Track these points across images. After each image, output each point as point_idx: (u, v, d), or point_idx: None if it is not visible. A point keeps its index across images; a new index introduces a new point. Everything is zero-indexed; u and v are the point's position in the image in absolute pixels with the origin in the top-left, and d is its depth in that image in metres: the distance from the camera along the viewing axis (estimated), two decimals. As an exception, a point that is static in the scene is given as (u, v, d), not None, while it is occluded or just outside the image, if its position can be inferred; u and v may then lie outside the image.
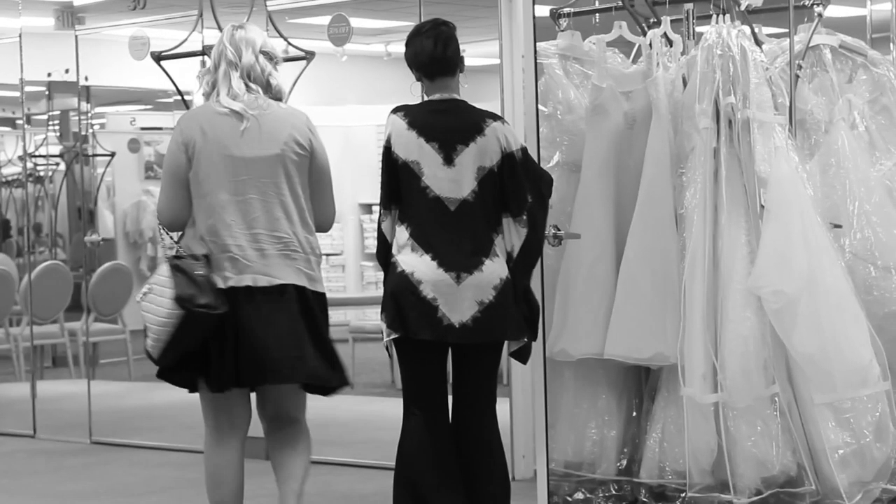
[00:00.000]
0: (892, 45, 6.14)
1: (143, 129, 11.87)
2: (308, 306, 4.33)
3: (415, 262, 4.32)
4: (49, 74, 9.66)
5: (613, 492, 5.19)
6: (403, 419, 4.48)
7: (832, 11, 5.55)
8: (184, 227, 4.36)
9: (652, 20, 5.46)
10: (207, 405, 4.44)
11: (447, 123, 4.37)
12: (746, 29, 5.09)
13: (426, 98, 4.49)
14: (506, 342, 4.48)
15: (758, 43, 5.20)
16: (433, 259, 4.31)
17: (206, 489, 4.51)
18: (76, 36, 7.56)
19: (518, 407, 5.95)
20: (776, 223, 4.82)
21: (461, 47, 4.48)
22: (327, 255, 11.29)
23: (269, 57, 4.38)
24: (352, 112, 11.40)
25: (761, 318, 4.82)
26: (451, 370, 4.51)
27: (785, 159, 4.90)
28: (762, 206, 4.88)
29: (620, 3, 5.45)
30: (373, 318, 9.30)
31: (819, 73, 5.46)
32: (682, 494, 4.88)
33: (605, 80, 5.25)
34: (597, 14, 5.64)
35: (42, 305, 9.02)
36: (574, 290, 5.19)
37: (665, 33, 5.26)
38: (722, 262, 4.90)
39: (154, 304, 4.26)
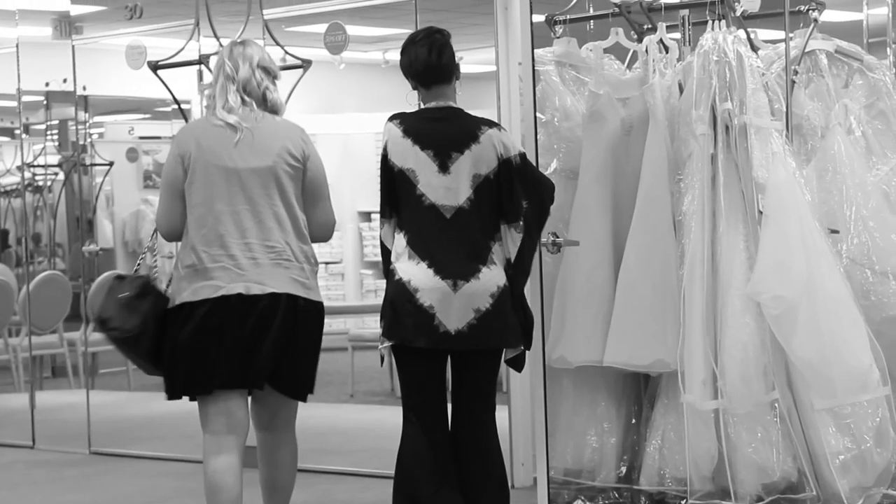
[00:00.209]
0: (888, 49, 6.14)
1: (141, 138, 11.87)
2: (296, 316, 4.35)
3: (412, 270, 4.32)
4: (47, 84, 9.67)
5: (613, 499, 5.19)
6: (402, 426, 4.48)
7: (828, 16, 5.55)
8: (181, 236, 4.42)
9: (647, 26, 5.46)
10: (205, 412, 4.46)
11: (442, 131, 4.37)
12: (742, 34, 5.09)
13: (422, 106, 4.50)
14: (503, 350, 4.48)
15: (754, 48, 5.20)
16: (430, 267, 4.31)
17: (205, 496, 4.52)
18: (73, 45, 7.56)
19: (517, 414, 5.94)
20: (774, 229, 4.82)
21: (458, 54, 4.48)
22: (326, 263, 11.28)
23: (267, 72, 4.45)
24: (350, 120, 11.41)
25: (761, 323, 4.82)
26: (450, 378, 4.52)
27: (782, 165, 4.90)
28: (760, 212, 4.88)
29: (616, 10, 5.44)
30: (372, 326, 9.29)
31: (815, 78, 5.46)
32: (683, 501, 4.88)
33: (602, 87, 5.26)
34: (592, 21, 5.65)
35: (41, 315, 9.02)
36: (572, 297, 5.19)
37: (661, 39, 5.26)
38: (721, 268, 4.90)
39: None
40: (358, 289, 11.60)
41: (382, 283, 4.52)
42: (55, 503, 6.21)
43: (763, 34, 5.51)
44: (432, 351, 4.36)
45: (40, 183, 10.92)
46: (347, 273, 11.66)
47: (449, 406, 4.53)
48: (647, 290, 5.00)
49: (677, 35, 5.31)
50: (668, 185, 5.07)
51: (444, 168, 4.33)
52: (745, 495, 4.76)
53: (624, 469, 5.19)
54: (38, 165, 10.70)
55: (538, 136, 5.33)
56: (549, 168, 5.34)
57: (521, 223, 4.36)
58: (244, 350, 4.31)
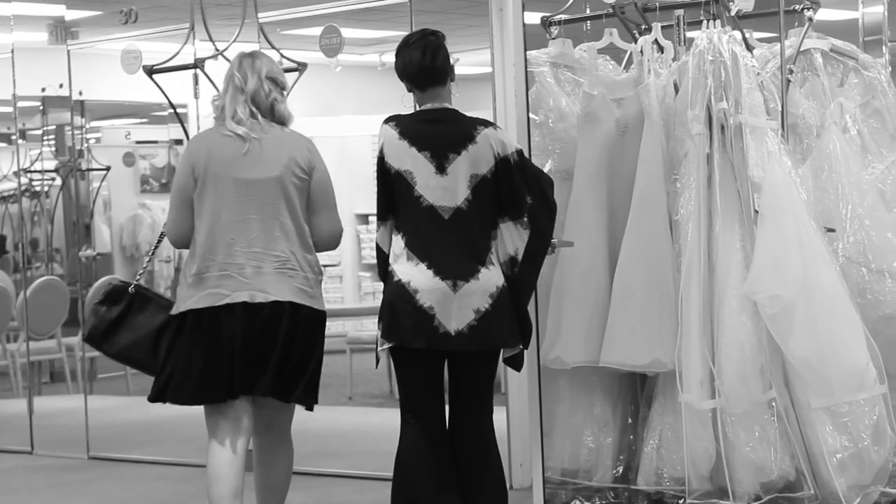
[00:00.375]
0: (884, 47, 6.15)
1: (138, 142, 11.87)
2: (298, 324, 4.41)
3: (411, 272, 4.33)
4: (43, 89, 9.65)
5: (610, 499, 5.19)
6: (400, 428, 4.49)
7: (824, 15, 5.55)
8: (189, 244, 4.51)
9: (643, 27, 5.46)
10: (212, 418, 4.53)
11: (439, 132, 4.38)
12: (737, 34, 5.09)
13: (418, 108, 4.51)
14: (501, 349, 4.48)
15: (749, 48, 5.20)
16: (429, 268, 4.31)
17: (206, 488, 4.60)
18: (68, 50, 7.56)
19: (515, 415, 5.94)
20: (770, 228, 4.82)
21: (454, 56, 4.49)
22: (324, 265, 11.28)
23: (276, 83, 4.52)
24: (347, 122, 11.41)
25: (757, 323, 4.82)
26: (447, 379, 4.52)
27: (778, 164, 4.91)
28: (756, 211, 4.88)
29: (611, 11, 5.44)
30: (370, 328, 9.29)
31: (810, 77, 5.46)
32: (681, 501, 4.88)
33: (596, 88, 5.26)
34: (588, 21, 5.65)
35: (39, 321, 9.01)
36: (568, 297, 5.19)
37: (656, 39, 5.26)
38: (717, 268, 4.90)
39: None
40: (356, 291, 11.60)
41: (380, 286, 4.52)
42: (54, 508, 6.23)
43: (758, 34, 5.52)
44: (431, 352, 4.36)
45: (37, 188, 10.91)
46: (345, 276, 11.66)
47: (446, 408, 4.53)
48: (643, 290, 5.00)
49: (673, 35, 5.31)
50: (664, 185, 5.07)
51: (441, 169, 4.34)
52: (744, 494, 4.75)
53: (620, 469, 5.20)
54: (35, 171, 10.70)
55: (533, 137, 5.35)
56: (544, 169, 5.32)
57: (526, 219, 4.36)
58: (250, 358, 4.37)
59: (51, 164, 10.69)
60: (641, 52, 5.24)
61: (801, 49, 5.40)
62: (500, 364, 4.57)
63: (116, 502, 6.32)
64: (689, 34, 5.25)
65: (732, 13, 5.16)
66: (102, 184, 11.07)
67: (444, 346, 4.31)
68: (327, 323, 4.56)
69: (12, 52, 7.80)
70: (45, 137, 10.59)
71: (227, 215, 4.40)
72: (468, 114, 4.48)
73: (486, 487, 4.48)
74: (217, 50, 6.73)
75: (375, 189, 4.47)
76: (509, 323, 4.37)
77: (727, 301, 4.85)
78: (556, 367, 5.20)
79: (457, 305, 4.29)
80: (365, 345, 8.87)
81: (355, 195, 11.03)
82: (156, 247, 4.87)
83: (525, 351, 4.50)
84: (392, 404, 6.67)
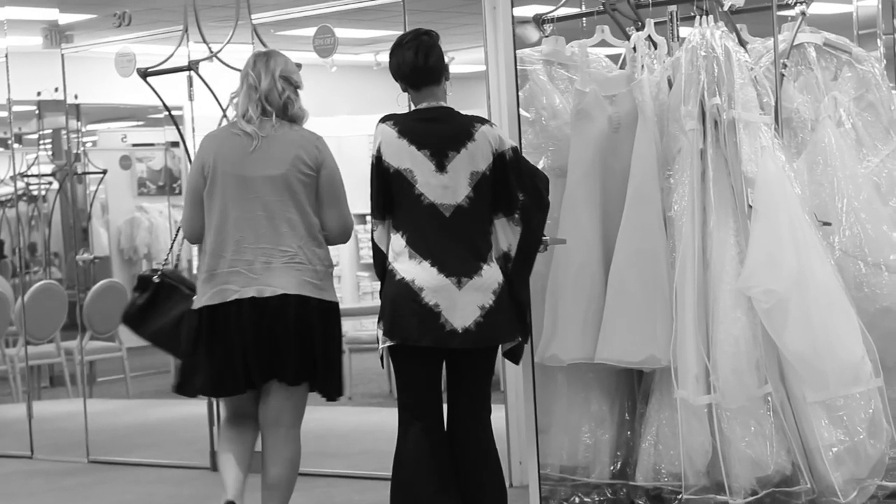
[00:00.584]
0: (878, 40, 6.14)
1: (134, 145, 11.86)
2: (308, 315, 4.53)
3: (414, 270, 4.33)
4: (39, 93, 9.66)
5: (608, 495, 5.19)
6: (399, 428, 4.49)
7: (818, 9, 5.56)
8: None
9: (638, 23, 5.45)
10: (227, 409, 4.75)
11: (437, 131, 4.40)
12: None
13: (413, 107, 4.51)
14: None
15: (742, 43, 5.20)
16: (433, 265, 4.32)
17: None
18: (62, 54, 7.55)
19: (514, 413, 5.93)
20: (764, 223, 4.82)
21: (449, 54, 4.51)
22: (323, 265, 11.26)
23: (289, 81, 4.63)
24: (343, 122, 11.38)
25: (752, 318, 4.82)
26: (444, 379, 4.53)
27: (771, 159, 4.90)
28: (750, 206, 4.88)
29: (602, 8, 5.44)
30: (369, 328, 9.27)
31: (804, 71, 5.46)
32: (679, 496, 4.87)
33: (589, 85, 5.26)
34: (584, 19, 5.65)
35: (37, 325, 9.01)
36: (563, 294, 5.19)
37: (649, 36, 5.26)
38: (712, 264, 4.90)
39: None
40: (355, 291, 11.58)
41: (379, 285, 4.52)
42: (53, 512, 6.23)
43: (751, 28, 5.51)
44: (432, 350, 4.36)
45: (34, 192, 10.91)
46: (344, 275, 11.64)
47: (445, 408, 4.54)
48: (638, 287, 5.00)
49: (666, 31, 5.31)
50: (658, 181, 5.07)
51: (441, 167, 4.36)
52: (740, 489, 4.75)
53: (618, 465, 5.20)
54: (32, 175, 10.70)
55: (527, 135, 5.36)
56: (538, 166, 5.33)
57: (517, 216, 4.39)
58: (264, 350, 4.51)
59: (47, 168, 10.69)
60: (634, 48, 5.24)
61: (795, 43, 5.40)
62: (499, 362, 4.57)
63: (116, 505, 6.33)
64: (683, 30, 5.25)
65: (725, 8, 5.16)
66: (100, 187, 11.07)
67: (452, 343, 4.31)
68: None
69: (6, 56, 7.80)
70: (42, 141, 10.59)
71: (236, 212, 4.53)
72: (464, 112, 4.50)
73: (487, 487, 4.49)
74: (211, 52, 6.73)
75: (369, 189, 4.48)
76: (511, 317, 4.40)
77: (722, 296, 4.85)
78: (553, 364, 5.20)
79: (462, 302, 4.30)
80: (364, 344, 8.86)
81: (353, 195, 11.00)
82: (174, 241, 5.09)
83: (524, 345, 4.52)
84: (392, 404, 6.66)
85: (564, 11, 5.66)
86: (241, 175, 4.54)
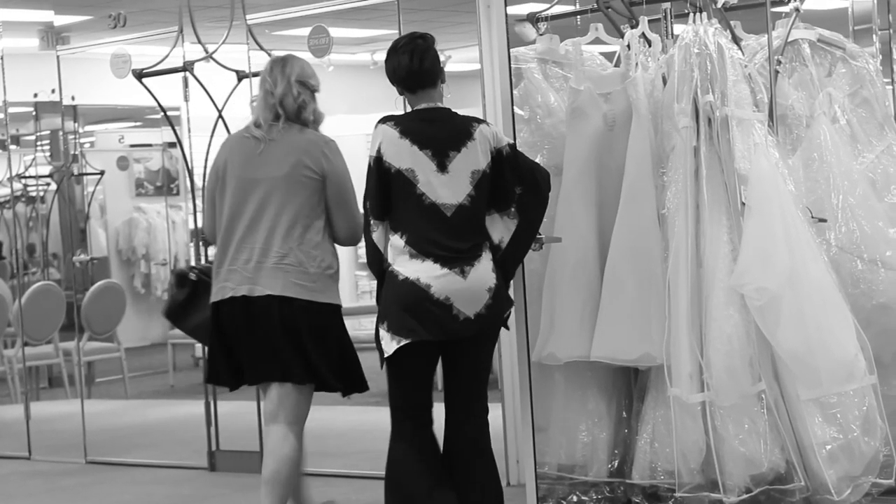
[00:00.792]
0: (874, 36, 6.13)
1: (132, 146, 11.87)
2: (294, 317, 4.61)
3: (417, 268, 4.37)
4: (35, 95, 9.66)
5: (606, 493, 5.19)
6: (392, 428, 4.52)
7: (814, 4, 5.55)
8: None
9: (633, 21, 5.45)
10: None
11: (438, 131, 4.44)
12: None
13: (411, 109, 4.55)
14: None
15: (736, 39, 5.20)
16: (435, 262, 4.36)
17: None
18: (58, 56, 7.55)
19: (511, 412, 5.93)
20: (757, 220, 4.81)
21: (446, 53, 4.53)
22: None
23: (306, 86, 4.73)
24: (340, 122, 11.36)
25: (745, 315, 4.81)
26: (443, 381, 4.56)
27: (764, 156, 4.90)
28: (743, 204, 4.88)
29: (595, 6, 5.44)
30: (368, 327, 9.25)
31: (798, 67, 5.45)
32: (675, 494, 4.87)
33: (583, 83, 5.26)
34: (578, 17, 5.65)
35: (35, 326, 9.01)
36: (559, 293, 5.19)
37: (643, 33, 5.26)
38: (705, 261, 4.90)
39: None
40: (353, 290, 11.58)
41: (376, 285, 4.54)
42: (51, 513, 6.23)
43: (745, 25, 5.51)
44: (436, 344, 4.40)
45: (33, 194, 10.92)
46: (342, 275, 11.63)
47: (443, 408, 4.56)
48: (633, 285, 5.00)
49: (660, 28, 5.30)
50: (653, 179, 5.07)
51: (442, 167, 4.40)
52: (734, 487, 4.74)
53: (616, 463, 5.19)
54: (30, 176, 10.70)
55: (522, 133, 5.35)
56: (535, 164, 5.34)
57: (513, 210, 4.45)
58: (254, 348, 4.66)
59: (45, 170, 10.69)
60: (629, 46, 5.24)
61: (789, 40, 5.39)
62: (497, 363, 4.59)
63: (113, 506, 6.34)
64: (677, 27, 5.24)
65: (719, 5, 5.15)
66: (97, 188, 11.08)
67: (468, 332, 4.38)
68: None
69: (2, 58, 7.79)
70: (39, 143, 10.59)
71: (240, 213, 4.67)
72: (459, 111, 4.54)
73: (484, 484, 4.52)
74: (206, 52, 6.73)
75: (365, 189, 4.49)
76: (507, 288, 4.52)
77: (715, 294, 4.84)
78: (550, 362, 5.20)
79: (471, 290, 4.36)
80: (362, 344, 8.82)
81: (350, 194, 11.01)
82: (200, 240, 5.29)
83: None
84: (389, 404, 6.67)
85: (559, 9, 5.67)
86: (246, 177, 4.67)
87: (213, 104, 6.76)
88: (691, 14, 5.08)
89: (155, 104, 6.94)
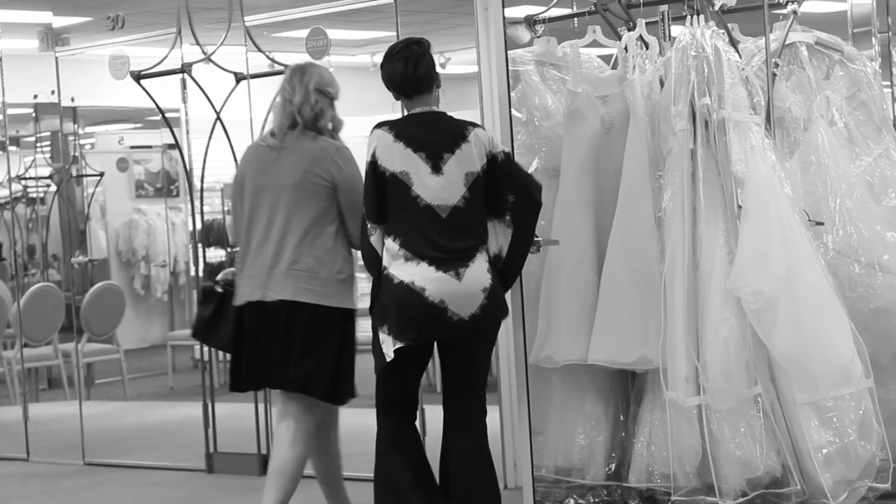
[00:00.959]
0: (873, 38, 6.13)
1: (132, 147, 11.87)
2: (301, 320, 4.67)
3: (412, 271, 4.38)
4: (35, 96, 9.66)
5: (603, 497, 5.18)
6: (382, 424, 4.57)
7: (813, 7, 5.54)
8: None
9: (630, 23, 5.44)
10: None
11: (432, 134, 4.47)
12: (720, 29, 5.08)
13: (407, 113, 4.59)
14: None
15: (733, 42, 5.19)
16: (430, 265, 4.38)
17: None
18: (56, 57, 7.55)
19: (508, 415, 5.92)
20: (754, 223, 4.81)
21: (444, 55, 4.53)
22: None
23: (324, 94, 4.79)
24: (340, 123, 11.38)
25: (741, 319, 4.81)
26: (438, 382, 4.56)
27: (761, 159, 4.90)
28: (739, 207, 4.87)
29: (593, 8, 5.44)
30: (367, 329, 9.25)
31: (796, 70, 5.45)
32: (671, 498, 4.86)
33: (581, 85, 5.25)
34: (575, 19, 5.65)
35: (35, 328, 9.01)
36: (556, 296, 5.19)
37: (641, 36, 5.25)
38: (701, 264, 4.89)
39: None
40: (353, 292, 11.56)
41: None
42: (49, 515, 6.22)
43: (742, 28, 5.50)
44: (428, 346, 4.45)
45: (33, 195, 10.92)
46: (343, 277, 11.64)
47: (442, 409, 4.58)
48: (630, 288, 5.00)
49: (658, 31, 5.30)
50: (650, 181, 5.07)
51: (436, 169, 4.42)
52: (730, 491, 4.74)
53: (613, 466, 5.18)
54: (30, 178, 10.71)
55: (519, 136, 5.35)
56: (531, 167, 5.34)
57: (508, 217, 4.48)
58: (266, 351, 4.74)
59: (45, 171, 10.70)
60: (626, 49, 5.23)
61: (787, 42, 5.39)
62: (495, 364, 4.59)
63: (111, 508, 6.33)
64: (674, 29, 5.24)
65: (716, 8, 5.15)
66: (97, 189, 11.08)
67: (463, 332, 4.40)
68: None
69: (1, 59, 7.79)
70: (39, 144, 10.59)
71: (255, 220, 4.79)
72: (456, 113, 4.56)
73: (482, 487, 4.53)
74: (204, 54, 6.73)
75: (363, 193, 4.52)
76: (502, 290, 4.52)
77: (711, 297, 4.84)
78: (547, 365, 5.20)
79: (466, 292, 4.38)
80: (361, 345, 8.84)
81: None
82: (233, 247, 5.33)
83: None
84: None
85: (556, 12, 5.68)
86: (260, 184, 4.78)
87: (211, 106, 6.76)
88: (689, 17, 5.08)
89: (154, 106, 6.95)
